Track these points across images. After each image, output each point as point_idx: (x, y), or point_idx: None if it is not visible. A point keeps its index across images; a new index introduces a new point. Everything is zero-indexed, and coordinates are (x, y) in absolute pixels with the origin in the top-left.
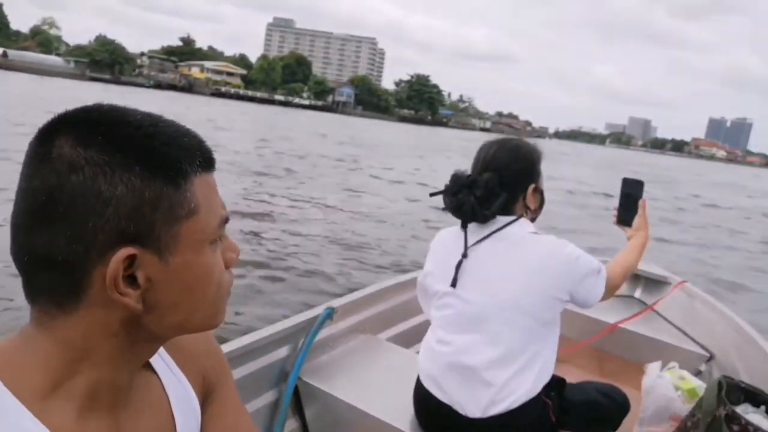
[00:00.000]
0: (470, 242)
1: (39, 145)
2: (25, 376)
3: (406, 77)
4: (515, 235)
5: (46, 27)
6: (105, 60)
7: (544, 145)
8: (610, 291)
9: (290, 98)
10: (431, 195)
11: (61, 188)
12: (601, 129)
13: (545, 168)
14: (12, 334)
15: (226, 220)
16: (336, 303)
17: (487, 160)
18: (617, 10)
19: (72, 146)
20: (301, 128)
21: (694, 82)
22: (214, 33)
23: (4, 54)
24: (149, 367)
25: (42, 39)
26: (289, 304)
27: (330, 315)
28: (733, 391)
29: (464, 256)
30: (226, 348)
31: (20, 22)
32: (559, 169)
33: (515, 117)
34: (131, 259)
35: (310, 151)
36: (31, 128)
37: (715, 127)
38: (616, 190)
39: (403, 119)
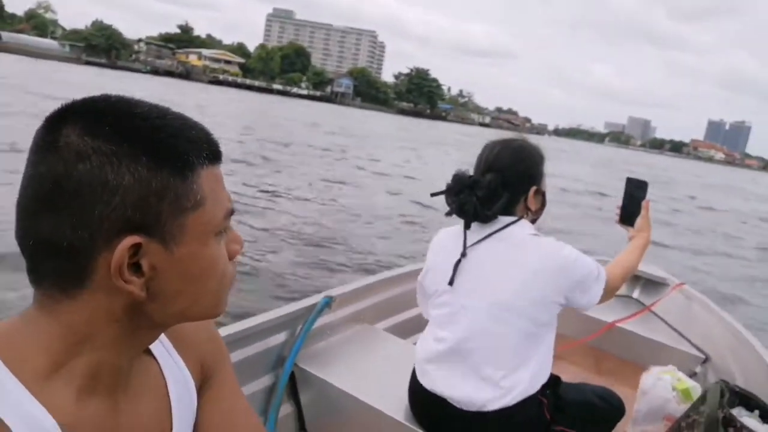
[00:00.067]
0: (470, 242)
1: (46, 133)
2: (26, 357)
3: (406, 70)
4: (515, 236)
5: (41, 11)
6: (101, 45)
7: (542, 142)
8: (609, 293)
9: (288, 88)
10: (432, 195)
11: (68, 176)
12: (600, 128)
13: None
14: (14, 316)
15: (231, 213)
16: (335, 292)
17: (490, 160)
18: (617, 10)
19: (79, 135)
20: (294, 117)
21: (693, 84)
22: (212, 22)
23: None
24: (149, 351)
25: (37, 22)
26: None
27: (328, 303)
28: (728, 394)
29: (463, 255)
30: (224, 332)
31: (15, 5)
32: (555, 167)
33: (515, 113)
34: (136, 248)
35: (296, 139)
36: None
37: (714, 129)
38: (612, 189)
39: (402, 112)
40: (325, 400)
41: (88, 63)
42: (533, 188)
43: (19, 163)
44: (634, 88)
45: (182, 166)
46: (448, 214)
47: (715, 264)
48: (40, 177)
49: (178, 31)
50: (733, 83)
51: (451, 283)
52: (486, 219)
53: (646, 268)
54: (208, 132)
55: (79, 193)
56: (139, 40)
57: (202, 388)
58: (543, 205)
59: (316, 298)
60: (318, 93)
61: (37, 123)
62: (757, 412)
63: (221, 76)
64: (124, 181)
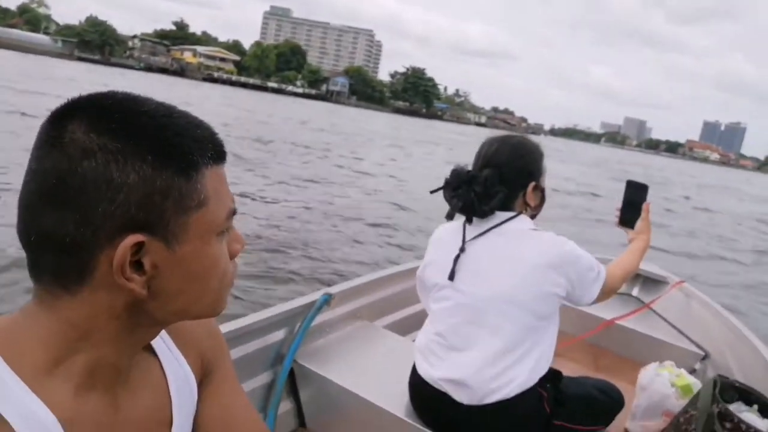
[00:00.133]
0: (468, 237)
1: (51, 128)
2: (25, 352)
3: (403, 70)
4: (514, 231)
5: (34, 5)
6: (95, 41)
7: (538, 142)
8: (606, 293)
9: (283, 86)
10: (431, 192)
11: (72, 173)
12: (596, 128)
13: None
14: (13, 312)
15: (234, 212)
16: (334, 289)
17: (488, 156)
18: (614, 12)
19: (85, 132)
20: (284, 114)
21: (689, 86)
22: (209, 19)
23: None
24: (149, 347)
25: (30, 17)
26: None
27: (327, 300)
28: (727, 389)
29: (462, 250)
30: (223, 329)
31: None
32: (548, 166)
33: (511, 113)
34: (139, 246)
35: (280, 137)
36: None
37: (710, 130)
38: (606, 189)
39: (398, 111)
40: (324, 397)
41: (80, 59)
42: (532, 184)
43: None
44: (631, 89)
45: (187, 165)
46: (449, 217)
47: (710, 267)
48: (44, 172)
49: (173, 27)
50: (729, 85)
51: (451, 277)
52: (483, 214)
53: (645, 266)
54: (213, 131)
55: (83, 190)
56: (134, 36)
57: (202, 384)
58: (542, 201)
59: (315, 295)
60: (313, 91)
61: (6, 119)
62: (756, 406)
63: (216, 74)
64: (128, 179)
